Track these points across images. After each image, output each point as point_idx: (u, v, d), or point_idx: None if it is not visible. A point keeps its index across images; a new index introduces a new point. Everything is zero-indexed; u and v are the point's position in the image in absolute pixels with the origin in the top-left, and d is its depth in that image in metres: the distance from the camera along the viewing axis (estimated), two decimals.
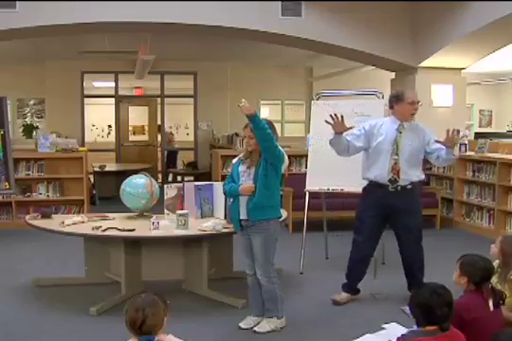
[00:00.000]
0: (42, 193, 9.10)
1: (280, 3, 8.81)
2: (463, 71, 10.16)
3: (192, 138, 15.82)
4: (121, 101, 15.15)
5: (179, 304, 4.96)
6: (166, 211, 5.73)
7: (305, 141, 8.56)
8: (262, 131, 4.36)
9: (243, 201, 4.55)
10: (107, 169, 12.09)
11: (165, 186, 5.86)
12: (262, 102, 15.16)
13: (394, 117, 5.31)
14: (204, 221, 5.35)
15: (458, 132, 5.08)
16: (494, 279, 4.17)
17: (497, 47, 9.20)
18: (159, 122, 15.54)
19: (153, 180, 5.81)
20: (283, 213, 5.08)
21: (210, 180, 9.05)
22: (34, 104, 15.04)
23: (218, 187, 5.66)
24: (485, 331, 3.40)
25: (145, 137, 16.34)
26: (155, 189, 5.72)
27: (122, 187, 5.76)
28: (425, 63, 9.64)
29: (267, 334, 4.59)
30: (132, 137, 16.33)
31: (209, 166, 13.42)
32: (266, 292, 4.64)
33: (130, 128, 16.15)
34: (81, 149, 9.61)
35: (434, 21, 9.07)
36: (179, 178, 14.72)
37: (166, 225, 5.26)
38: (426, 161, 5.55)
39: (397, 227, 5.33)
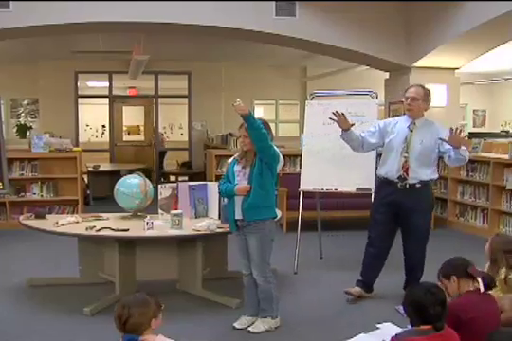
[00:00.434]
0: (36, 193, 9.07)
1: (274, 3, 8.81)
2: (456, 71, 10.18)
3: (186, 138, 15.82)
4: (115, 101, 15.13)
5: (173, 304, 4.95)
6: (160, 211, 5.73)
7: (300, 141, 8.57)
8: (256, 130, 4.35)
9: (238, 201, 4.55)
10: (101, 169, 12.07)
11: (159, 186, 5.86)
12: (256, 102, 15.17)
13: (408, 116, 5.35)
14: (198, 221, 5.35)
15: (460, 131, 4.97)
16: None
17: (490, 47, 9.22)
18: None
19: (147, 180, 5.80)
20: (278, 213, 5.08)
21: (204, 180, 9.04)
22: (28, 104, 15.02)
23: (212, 187, 5.67)
24: (482, 331, 3.41)
25: (140, 137, 16.33)
26: (149, 189, 5.72)
27: (116, 187, 5.75)
28: (419, 63, 9.65)
29: (262, 334, 4.59)
30: (127, 137, 16.32)
31: (203, 166, 13.41)
32: (262, 292, 4.64)
33: (124, 128, 16.14)
34: (75, 149, 9.59)
35: (428, 21, 9.09)
36: (173, 178, 14.71)
37: (160, 225, 5.25)
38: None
39: (403, 225, 5.35)
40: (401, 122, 5.35)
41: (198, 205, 5.69)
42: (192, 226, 5.13)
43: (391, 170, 5.25)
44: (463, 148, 5.04)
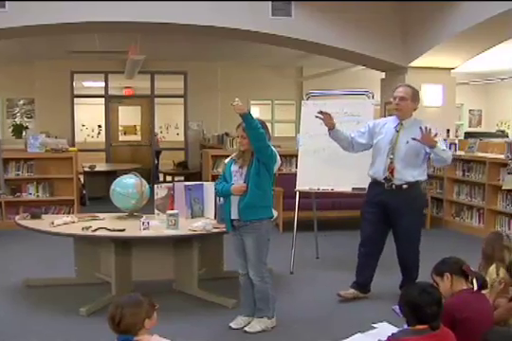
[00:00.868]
0: (31, 193, 9.06)
1: (270, 3, 8.80)
2: (452, 71, 10.20)
3: (182, 138, 15.81)
4: (111, 101, 15.11)
5: (170, 304, 4.95)
6: (156, 211, 5.72)
7: (296, 141, 8.57)
8: (254, 130, 4.36)
9: (234, 201, 4.55)
10: (97, 169, 12.06)
11: (155, 186, 5.85)
12: (252, 102, 15.17)
13: (396, 116, 5.34)
14: (194, 221, 5.35)
15: (430, 130, 4.92)
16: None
17: (486, 47, 9.24)
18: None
19: (143, 180, 5.80)
20: (275, 213, 5.08)
21: (200, 180, 9.04)
22: (24, 104, 15.00)
23: (208, 187, 5.66)
24: (477, 330, 3.42)
25: (137, 137, 16.30)
26: (145, 189, 5.71)
27: (112, 187, 5.75)
28: (415, 63, 9.66)
29: (258, 334, 4.59)
30: (122, 137, 16.29)
31: (199, 166, 13.42)
32: (259, 291, 4.64)
33: (120, 128, 16.12)
34: (71, 149, 9.57)
35: (424, 21, 9.10)
36: (169, 178, 14.71)
37: (156, 225, 5.25)
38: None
39: (393, 226, 5.35)
40: (389, 123, 5.36)
41: (194, 205, 5.69)
42: (188, 226, 5.13)
43: (377, 170, 5.26)
44: (442, 148, 5.03)
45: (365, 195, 5.55)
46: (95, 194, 11.21)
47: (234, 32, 9.05)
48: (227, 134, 11.51)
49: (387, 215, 5.28)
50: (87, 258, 5.81)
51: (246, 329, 4.65)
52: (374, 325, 4.62)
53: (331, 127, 5.29)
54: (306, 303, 5.37)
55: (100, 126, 18.02)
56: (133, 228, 5.18)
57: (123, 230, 5.11)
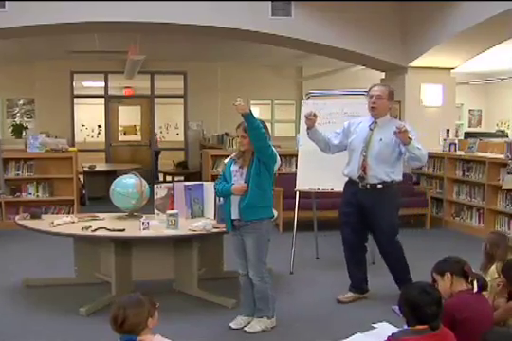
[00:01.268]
0: (31, 193, 9.06)
1: (270, 3, 8.80)
2: (452, 71, 10.19)
3: (182, 138, 15.81)
4: (111, 101, 15.11)
5: (169, 304, 4.95)
6: (156, 211, 5.72)
7: (296, 141, 8.57)
8: (256, 130, 4.37)
9: (235, 201, 4.56)
10: (97, 169, 12.05)
11: (155, 186, 5.85)
12: (252, 102, 15.15)
13: (371, 115, 5.30)
14: (194, 221, 5.35)
15: (403, 126, 4.89)
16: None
17: (486, 47, 9.23)
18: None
19: (143, 180, 5.80)
20: (275, 213, 5.07)
21: (200, 180, 9.04)
22: (24, 104, 15.01)
23: (208, 187, 5.66)
24: (476, 330, 3.42)
25: (137, 137, 16.30)
26: (144, 189, 5.71)
27: (112, 187, 5.75)
28: (414, 63, 9.66)
29: (258, 334, 4.59)
30: (122, 137, 16.29)
31: (199, 166, 13.42)
32: (259, 291, 4.64)
33: (120, 128, 16.12)
34: (70, 149, 9.56)
35: (423, 21, 9.09)
36: (169, 178, 14.71)
37: (156, 225, 5.25)
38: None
39: (370, 226, 5.33)
40: (364, 122, 5.34)
41: (194, 205, 5.69)
42: (188, 226, 5.13)
43: (352, 169, 5.25)
44: (416, 145, 4.94)
45: (341, 196, 5.51)
46: (95, 194, 11.21)
47: (234, 32, 9.04)
48: (226, 134, 11.51)
49: (364, 215, 5.25)
50: (87, 258, 5.81)
51: (245, 329, 4.65)
52: (374, 325, 4.62)
53: (310, 126, 5.27)
54: (306, 303, 5.37)
55: (99, 126, 18.03)
56: (133, 228, 5.18)
57: (123, 230, 5.12)
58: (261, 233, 4.55)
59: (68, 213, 8.68)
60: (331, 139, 5.41)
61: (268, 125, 4.85)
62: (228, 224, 4.65)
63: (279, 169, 5.19)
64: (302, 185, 6.65)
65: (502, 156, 8.01)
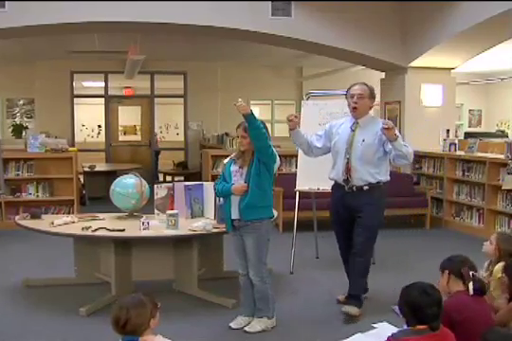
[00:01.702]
0: (31, 193, 9.06)
1: (270, 3, 8.80)
2: (452, 71, 10.20)
3: (182, 138, 15.81)
4: (111, 101, 15.10)
5: (169, 304, 4.95)
6: (156, 211, 5.72)
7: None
8: (257, 130, 4.37)
9: (235, 201, 4.56)
10: (97, 169, 12.05)
11: (155, 186, 5.85)
12: (252, 102, 15.13)
13: (352, 115, 5.15)
14: (194, 221, 5.35)
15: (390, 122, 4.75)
16: (483, 274, 4.25)
17: (486, 47, 9.24)
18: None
19: (143, 180, 5.80)
20: (275, 213, 5.07)
21: (200, 180, 9.04)
22: (24, 104, 15.00)
23: (208, 187, 5.66)
24: (477, 331, 3.41)
25: (137, 137, 16.30)
26: (144, 189, 5.71)
27: (112, 187, 5.75)
28: (414, 63, 9.66)
29: (258, 334, 4.59)
30: (122, 137, 16.30)
31: (199, 166, 13.42)
32: (258, 291, 4.64)
33: (120, 128, 16.13)
34: (70, 149, 9.56)
35: (423, 21, 9.09)
36: (169, 178, 14.71)
37: (156, 225, 5.25)
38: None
39: (356, 226, 5.09)
40: (346, 123, 5.18)
41: (194, 205, 5.69)
42: (188, 226, 5.13)
43: (337, 172, 5.11)
44: (402, 143, 4.80)
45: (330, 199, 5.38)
46: (95, 194, 11.22)
47: (234, 32, 9.04)
48: (226, 134, 11.52)
49: (353, 217, 5.09)
50: (87, 258, 5.81)
51: (246, 329, 4.65)
52: (374, 325, 4.62)
53: (293, 128, 5.05)
54: (306, 303, 5.37)
55: (99, 126, 18.03)
56: (133, 228, 5.18)
57: (123, 230, 5.11)
58: (261, 233, 4.55)
59: (68, 213, 8.69)
60: (313, 142, 5.25)
61: (268, 125, 4.87)
62: (228, 224, 4.65)
63: (279, 169, 5.19)
64: (302, 185, 6.65)
65: (502, 156, 8.02)
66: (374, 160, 5.00)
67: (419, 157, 9.91)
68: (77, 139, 15.01)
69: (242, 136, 4.53)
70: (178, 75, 15.03)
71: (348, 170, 5.01)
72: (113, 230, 5.11)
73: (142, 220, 5.18)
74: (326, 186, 6.47)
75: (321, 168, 6.35)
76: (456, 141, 9.47)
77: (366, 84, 5.16)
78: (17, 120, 14.96)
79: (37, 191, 9.07)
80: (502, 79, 15.15)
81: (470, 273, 3.66)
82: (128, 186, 5.68)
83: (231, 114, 4.28)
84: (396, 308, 3.94)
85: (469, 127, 17.45)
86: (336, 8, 9.02)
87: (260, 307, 4.69)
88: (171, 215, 5.13)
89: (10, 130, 14.77)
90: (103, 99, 15.01)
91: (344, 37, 9.24)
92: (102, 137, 15.92)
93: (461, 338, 3.34)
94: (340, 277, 5.72)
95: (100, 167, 12.63)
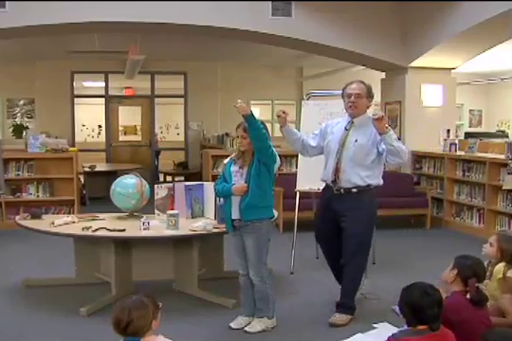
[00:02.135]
0: (32, 194, 9.06)
1: (270, 3, 8.80)
2: (453, 71, 10.19)
3: (182, 138, 15.81)
4: (111, 101, 15.10)
5: (170, 304, 4.93)
6: (156, 211, 5.72)
7: None
8: (257, 131, 4.37)
9: (235, 201, 4.56)
10: (97, 169, 12.06)
11: (155, 186, 5.85)
12: (252, 102, 15.13)
13: (349, 115, 4.99)
14: (194, 221, 5.35)
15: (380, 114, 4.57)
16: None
17: (487, 47, 9.23)
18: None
19: (143, 180, 5.80)
20: (275, 213, 5.07)
21: (200, 180, 9.04)
22: (24, 104, 14.99)
23: (209, 187, 5.66)
24: (475, 331, 3.41)
25: (137, 138, 16.31)
26: (145, 190, 5.71)
27: (113, 187, 5.75)
28: (415, 63, 9.66)
29: (258, 334, 4.59)
30: (123, 137, 16.30)
31: (199, 166, 13.42)
32: (259, 291, 4.64)
33: (120, 128, 16.13)
34: (71, 149, 9.57)
35: (424, 21, 9.09)
36: (169, 178, 14.71)
37: (156, 226, 5.25)
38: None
39: (343, 233, 4.90)
40: (342, 122, 5.04)
41: (194, 205, 5.69)
42: (189, 226, 5.13)
43: (327, 173, 4.95)
44: (394, 137, 4.64)
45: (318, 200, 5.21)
46: (95, 194, 11.22)
47: (234, 32, 9.04)
48: (227, 135, 11.51)
49: (337, 223, 4.90)
50: (87, 258, 5.81)
51: (246, 329, 4.65)
52: (375, 325, 4.62)
53: (282, 124, 4.93)
54: (306, 303, 5.36)
55: (100, 126, 18.03)
56: (133, 228, 5.18)
57: (123, 230, 5.11)
58: (261, 233, 4.55)
59: (69, 213, 8.68)
60: (308, 141, 5.10)
61: (269, 125, 4.86)
62: (229, 224, 4.65)
63: (279, 169, 5.19)
64: (303, 185, 6.64)
65: (502, 156, 8.02)
66: (365, 162, 4.82)
67: (419, 157, 9.92)
68: (77, 139, 15.01)
69: (242, 137, 4.52)
70: (178, 75, 15.03)
71: (337, 170, 4.85)
72: (113, 230, 5.11)
73: (142, 220, 5.18)
74: None
75: (322, 168, 6.36)
76: (456, 141, 9.48)
77: (363, 82, 4.99)
78: (17, 120, 14.95)
79: (37, 191, 9.07)
80: (503, 79, 15.15)
81: (476, 285, 3.62)
82: (128, 186, 5.68)
83: (232, 114, 4.28)
84: (397, 308, 3.94)
85: (470, 127, 17.44)
86: (336, 9, 9.02)
87: (260, 307, 4.69)
88: (171, 215, 5.12)
89: (11, 130, 14.77)
90: (104, 99, 15.01)
91: (344, 37, 9.24)
92: (103, 137, 15.92)
93: (460, 338, 3.34)
94: None
95: (101, 167, 12.64)
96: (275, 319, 4.75)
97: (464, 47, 9.08)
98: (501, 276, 4.25)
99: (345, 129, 4.92)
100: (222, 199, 4.84)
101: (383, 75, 10.72)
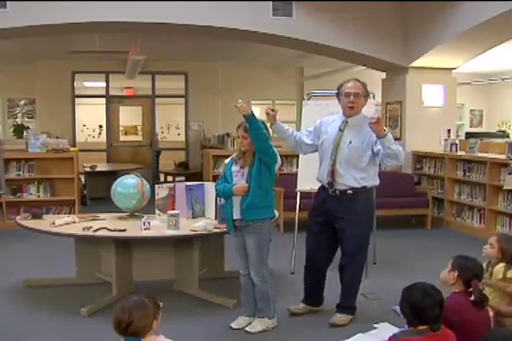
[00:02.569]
0: (32, 194, 9.06)
1: (270, 3, 8.79)
2: (453, 71, 10.19)
3: (183, 138, 15.81)
4: (112, 101, 15.10)
5: (170, 304, 4.92)
6: (157, 211, 5.72)
7: None
8: (258, 131, 4.37)
9: (236, 201, 4.56)
10: (98, 169, 12.06)
11: (156, 186, 5.85)
12: (253, 102, 15.11)
13: (343, 114, 4.88)
14: (195, 221, 5.35)
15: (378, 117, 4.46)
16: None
17: (487, 47, 9.23)
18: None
19: (144, 180, 5.80)
20: (276, 213, 5.06)
21: (201, 180, 9.03)
22: (25, 104, 14.99)
23: (209, 187, 5.66)
24: (475, 332, 3.41)
25: (138, 138, 16.31)
26: (145, 190, 5.71)
27: (113, 187, 5.75)
28: (416, 63, 9.65)
29: (259, 334, 4.59)
30: (124, 137, 16.30)
31: (200, 166, 13.41)
32: (259, 292, 4.64)
33: (121, 128, 16.13)
34: (71, 149, 9.57)
35: (425, 21, 9.09)
36: (170, 178, 14.71)
37: (157, 226, 5.25)
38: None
39: (339, 235, 4.86)
40: (337, 121, 4.90)
41: (195, 205, 5.69)
42: (189, 226, 5.13)
43: (322, 174, 4.87)
44: (392, 140, 4.54)
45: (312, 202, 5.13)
46: (96, 194, 11.21)
47: (234, 32, 9.03)
48: (227, 135, 11.51)
49: (333, 228, 4.85)
50: (88, 258, 5.81)
51: (246, 329, 4.65)
52: (375, 325, 4.62)
53: (272, 122, 4.81)
54: None
55: (100, 126, 18.02)
56: (134, 228, 5.18)
57: (124, 230, 5.11)
58: (262, 233, 4.55)
59: (69, 213, 8.68)
60: (302, 138, 5.00)
61: (269, 125, 4.82)
62: (230, 224, 4.65)
63: (280, 169, 5.17)
64: (303, 185, 6.63)
65: (503, 157, 8.01)
66: (360, 164, 4.74)
67: (420, 157, 9.92)
68: (78, 139, 14.99)
69: (242, 137, 4.52)
70: (179, 75, 15.03)
71: (332, 172, 4.76)
72: (114, 230, 5.11)
73: (143, 220, 5.18)
74: None
75: None
76: (457, 141, 9.48)
77: (359, 80, 4.86)
78: (18, 120, 14.94)
79: (38, 191, 9.07)
80: (504, 79, 15.14)
81: (479, 285, 3.61)
82: (129, 186, 5.68)
83: (232, 114, 4.27)
84: (397, 308, 3.94)
85: (470, 127, 17.42)
86: (336, 9, 9.01)
87: (261, 307, 4.69)
88: (172, 215, 5.12)
89: (12, 130, 14.75)
90: (104, 100, 15.00)
91: (345, 37, 9.23)
92: (103, 137, 15.92)
93: (461, 339, 3.33)
94: None
95: (102, 167, 12.64)
96: (276, 319, 4.75)
97: (465, 47, 9.08)
98: (501, 276, 4.25)
99: (339, 129, 4.81)
100: (223, 199, 4.84)
101: (384, 75, 10.71)
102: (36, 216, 5.80)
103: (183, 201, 5.64)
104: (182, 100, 15.26)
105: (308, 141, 5.02)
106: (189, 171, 14.50)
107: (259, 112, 16.29)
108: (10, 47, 11.87)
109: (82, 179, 11.51)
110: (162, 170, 15.69)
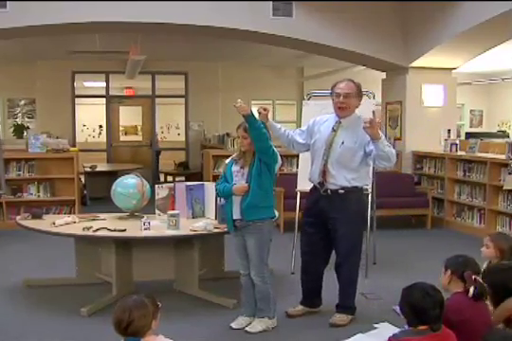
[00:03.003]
0: (32, 194, 9.06)
1: (270, 3, 8.79)
2: (453, 71, 10.19)
3: (183, 138, 15.81)
4: (112, 101, 15.10)
5: (170, 304, 4.94)
6: (157, 211, 5.72)
7: None
8: (257, 131, 4.37)
9: (236, 201, 4.56)
10: (98, 169, 12.06)
11: (156, 186, 5.85)
12: (253, 102, 15.11)
13: (337, 115, 4.87)
14: (195, 221, 5.35)
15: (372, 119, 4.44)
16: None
17: (487, 47, 9.23)
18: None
19: (144, 180, 5.79)
20: (276, 213, 5.06)
21: (201, 180, 9.03)
22: (25, 104, 14.98)
23: (209, 187, 5.66)
24: (475, 332, 3.40)
25: (138, 138, 16.31)
26: (145, 190, 5.71)
27: (113, 187, 5.75)
28: (416, 63, 9.65)
29: (259, 334, 4.59)
30: (124, 137, 16.30)
31: (200, 166, 13.42)
32: (260, 292, 4.64)
33: (121, 128, 16.13)
34: (72, 149, 9.57)
35: (425, 21, 9.08)
36: (170, 178, 14.71)
37: (157, 226, 5.25)
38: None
39: (332, 235, 4.86)
40: (330, 120, 4.91)
41: (195, 205, 5.69)
42: (189, 227, 5.13)
43: (313, 174, 4.87)
44: (386, 143, 4.55)
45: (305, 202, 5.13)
46: (96, 194, 11.21)
47: (234, 32, 9.03)
48: (227, 135, 11.51)
49: (327, 229, 4.85)
50: (88, 258, 5.81)
51: (247, 329, 4.65)
52: (375, 325, 4.62)
53: (264, 121, 4.70)
54: None
55: (100, 126, 18.02)
56: (134, 228, 5.18)
57: (124, 230, 5.11)
58: (262, 233, 4.55)
59: (69, 213, 8.68)
60: (295, 137, 5.00)
61: None
62: (230, 224, 4.65)
63: (280, 169, 5.16)
64: (303, 185, 6.59)
65: (503, 157, 8.02)
66: (352, 164, 4.75)
67: (420, 157, 9.92)
68: (78, 139, 15.00)
69: (242, 137, 4.52)
70: (179, 75, 15.03)
71: (324, 173, 4.77)
72: (114, 230, 5.11)
73: (143, 220, 5.18)
74: None
75: None
76: (457, 141, 9.48)
77: (353, 81, 4.87)
78: (18, 120, 14.94)
79: (38, 191, 9.07)
80: (504, 79, 15.14)
81: (473, 277, 3.61)
82: (129, 186, 5.68)
83: (232, 114, 4.27)
84: (397, 308, 3.94)
85: (470, 127, 17.42)
86: (336, 9, 9.01)
87: (261, 307, 4.69)
88: (172, 215, 5.12)
89: (12, 130, 14.75)
90: (104, 100, 15.01)
91: (345, 37, 9.23)
92: (103, 137, 15.92)
93: (461, 338, 3.33)
94: None
95: (102, 167, 12.65)
96: (276, 319, 4.75)
97: (465, 47, 9.08)
98: None
99: (333, 129, 4.81)
100: (223, 199, 4.84)
101: (384, 75, 10.71)
102: (36, 216, 5.80)
103: (183, 201, 5.64)
104: (182, 100, 15.26)
105: (301, 140, 5.03)
106: (189, 171, 14.50)
107: None
108: (10, 47, 11.87)
109: (82, 179, 11.51)
110: (162, 170, 15.70)
